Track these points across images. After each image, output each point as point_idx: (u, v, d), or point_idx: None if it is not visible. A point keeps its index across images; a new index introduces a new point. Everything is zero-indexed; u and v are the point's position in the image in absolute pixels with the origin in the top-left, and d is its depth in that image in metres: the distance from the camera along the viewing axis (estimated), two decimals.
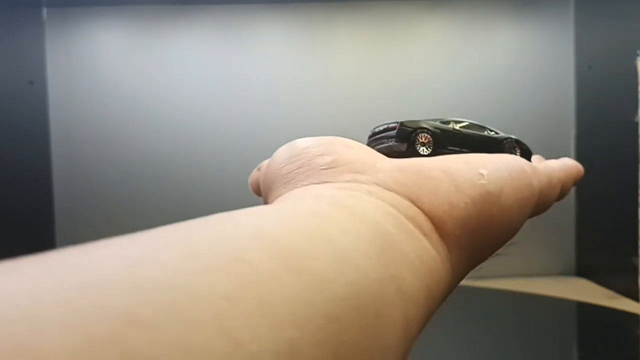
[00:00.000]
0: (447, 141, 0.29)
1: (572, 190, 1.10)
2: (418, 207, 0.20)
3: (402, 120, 0.30)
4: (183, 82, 1.13)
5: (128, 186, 1.13)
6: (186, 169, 1.13)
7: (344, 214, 0.17)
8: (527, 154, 0.32)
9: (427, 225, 0.20)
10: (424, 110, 1.14)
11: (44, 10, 1.11)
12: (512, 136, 0.32)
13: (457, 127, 0.30)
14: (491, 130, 0.31)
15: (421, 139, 0.28)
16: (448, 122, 0.30)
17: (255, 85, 1.14)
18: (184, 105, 1.13)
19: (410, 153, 0.28)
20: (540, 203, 0.28)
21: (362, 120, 1.13)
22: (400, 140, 0.29)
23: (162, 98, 1.13)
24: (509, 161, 0.25)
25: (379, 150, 0.29)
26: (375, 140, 0.31)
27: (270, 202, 0.23)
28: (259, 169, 0.33)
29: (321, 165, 0.23)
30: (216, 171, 1.13)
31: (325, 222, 0.16)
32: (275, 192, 0.23)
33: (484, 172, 0.22)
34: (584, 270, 1.13)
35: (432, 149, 0.28)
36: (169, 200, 1.13)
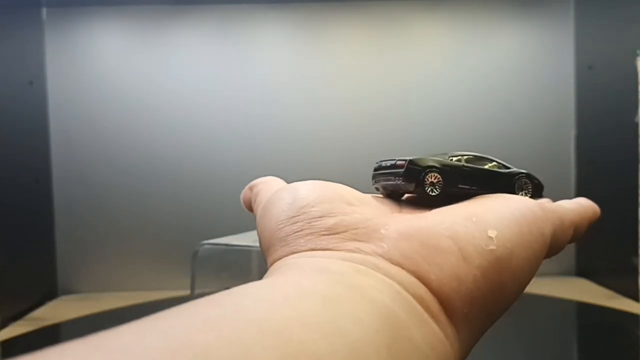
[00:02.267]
0: (457, 179, 0.28)
1: (572, 191, 1.10)
2: (425, 284, 0.20)
3: (410, 157, 0.28)
4: (182, 82, 1.13)
5: (127, 186, 1.12)
6: (186, 169, 1.13)
7: (354, 297, 0.16)
8: (538, 189, 0.31)
9: (435, 305, 0.19)
10: (424, 110, 1.14)
11: (44, 11, 1.11)
12: (523, 171, 0.30)
13: (466, 162, 0.29)
14: (500, 164, 0.30)
15: (430, 178, 0.27)
16: (457, 157, 0.29)
17: (255, 85, 1.14)
18: (183, 105, 1.13)
19: (418, 193, 0.27)
20: (552, 247, 0.27)
21: (363, 120, 1.13)
22: (408, 181, 0.27)
23: (161, 98, 1.13)
24: (520, 211, 0.24)
25: (385, 187, 0.29)
26: (381, 175, 0.30)
27: (271, 263, 0.22)
28: (251, 189, 0.32)
29: (322, 230, 0.22)
30: (216, 171, 1.13)
31: (337, 309, 0.15)
32: (275, 253, 0.22)
33: (493, 234, 0.21)
34: (584, 270, 1.13)
35: (441, 189, 0.28)
36: (168, 199, 1.12)
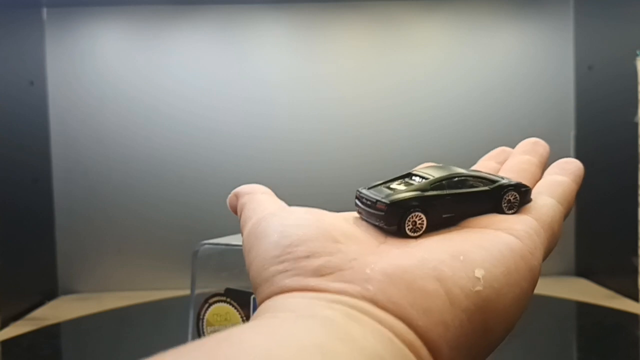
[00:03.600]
0: (440, 209, 0.27)
1: None
2: (413, 330, 0.19)
3: (389, 197, 0.27)
4: (183, 82, 1.13)
5: (128, 186, 1.12)
6: (186, 169, 1.13)
7: (350, 351, 0.16)
8: (526, 195, 0.30)
9: (423, 351, 0.19)
10: (423, 110, 1.13)
11: (44, 11, 1.11)
12: (508, 182, 0.29)
13: (448, 189, 0.28)
14: (485, 180, 0.29)
15: (412, 218, 0.26)
16: (439, 184, 0.28)
17: (255, 86, 1.14)
18: (183, 105, 1.13)
19: (400, 235, 0.26)
20: (545, 256, 0.27)
21: (362, 121, 1.13)
22: (389, 224, 0.26)
23: (162, 98, 1.13)
24: (508, 247, 0.23)
25: (369, 222, 0.28)
26: (363, 210, 0.29)
27: (260, 301, 0.22)
28: (236, 196, 0.32)
29: (309, 272, 0.22)
30: (216, 171, 1.13)
31: None
32: (262, 293, 0.22)
33: (480, 274, 0.21)
34: (583, 270, 1.13)
35: (424, 229, 0.27)
36: (169, 199, 1.12)
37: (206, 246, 0.52)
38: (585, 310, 0.93)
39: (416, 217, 0.26)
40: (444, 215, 0.27)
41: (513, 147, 0.41)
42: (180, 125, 1.13)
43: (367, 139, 1.13)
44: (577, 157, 1.11)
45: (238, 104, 1.13)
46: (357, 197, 0.29)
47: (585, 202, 1.10)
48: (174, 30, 1.13)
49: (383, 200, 0.27)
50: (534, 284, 0.24)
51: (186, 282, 1.09)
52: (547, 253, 0.28)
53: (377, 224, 0.27)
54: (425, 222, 0.26)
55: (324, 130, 1.13)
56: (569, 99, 1.15)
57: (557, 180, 0.33)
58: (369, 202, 0.28)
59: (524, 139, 0.42)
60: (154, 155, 1.13)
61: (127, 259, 1.12)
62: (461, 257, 0.21)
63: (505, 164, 0.35)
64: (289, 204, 0.30)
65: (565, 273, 1.15)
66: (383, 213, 0.26)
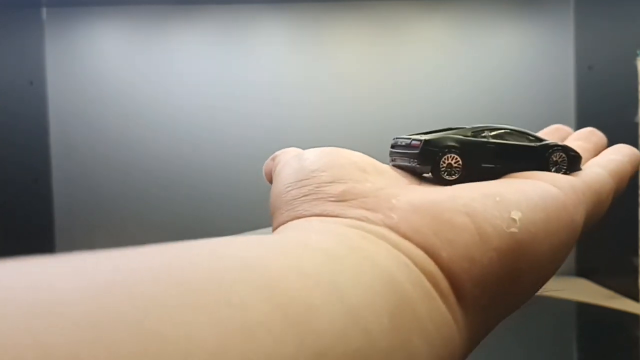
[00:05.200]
0: (479, 157, 0.25)
1: None
2: (435, 260, 0.18)
3: (427, 136, 0.25)
4: (183, 83, 1.13)
5: (128, 186, 1.12)
6: (187, 169, 1.13)
7: (357, 258, 0.15)
8: (575, 162, 0.28)
9: (444, 284, 0.18)
10: (423, 110, 1.13)
11: (44, 10, 1.10)
12: (558, 143, 0.27)
13: (491, 138, 0.27)
14: (532, 137, 0.28)
15: (447, 160, 0.25)
16: (481, 131, 0.27)
17: (257, 85, 1.14)
18: (184, 105, 1.13)
19: (435, 176, 0.25)
20: (589, 222, 0.25)
21: (363, 120, 1.13)
22: (423, 163, 0.25)
23: (162, 98, 1.13)
24: (549, 194, 0.22)
25: (402, 167, 0.26)
26: (397, 154, 0.27)
27: (275, 228, 0.21)
28: (273, 159, 0.30)
29: (330, 196, 0.20)
30: (217, 171, 1.13)
31: (337, 265, 0.14)
32: (280, 217, 0.21)
33: (517, 215, 0.19)
34: (583, 270, 1.13)
35: (461, 172, 0.25)
36: (169, 200, 1.12)
37: None
38: (585, 310, 0.93)
39: (452, 159, 0.25)
40: (483, 164, 0.25)
41: None
42: (181, 125, 1.13)
43: (368, 138, 1.13)
44: None
45: (239, 104, 1.13)
46: (392, 145, 0.28)
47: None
48: (174, 30, 1.13)
49: (418, 139, 0.25)
50: (574, 238, 0.22)
51: None
52: (591, 220, 0.26)
53: (410, 164, 0.26)
54: (461, 166, 0.25)
55: (326, 129, 1.13)
56: (569, 99, 1.15)
57: (611, 157, 0.31)
58: (403, 144, 0.27)
59: None
60: (154, 155, 1.12)
61: None
62: (497, 198, 0.20)
63: None
64: None
65: (565, 273, 1.14)
66: (417, 151, 0.25)
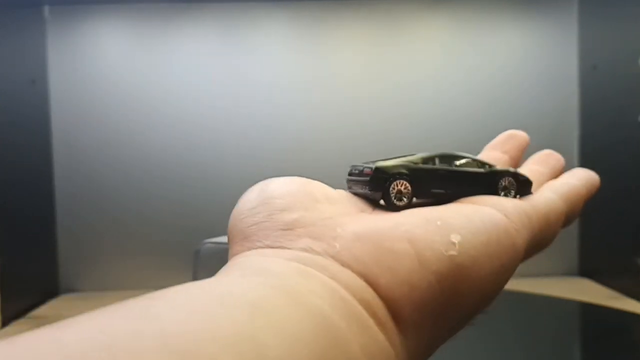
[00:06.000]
0: (429, 183, 0.26)
1: None
2: (374, 288, 0.18)
3: (377, 163, 0.26)
4: (186, 81, 1.13)
5: (130, 184, 1.12)
6: (188, 168, 1.13)
7: (287, 305, 0.15)
8: (525, 187, 0.28)
9: (382, 311, 0.18)
10: (426, 110, 1.13)
11: (46, 9, 1.10)
12: (508, 169, 0.28)
13: (440, 165, 0.27)
14: (483, 163, 0.28)
15: (397, 186, 0.26)
16: (432, 159, 0.27)
17: (259, 84, 1.13)
18: (186, 104, 1.13)
19: (386, 202, 0.26)
20: (535, 247, 0.26)
21: (365, 120, 1.13)
22: (374, 189, 0.26)
23: (164, 97, 1.13)
24: (491, 217, 0.22)
25: (358, 194, 0.27)
26: (352, 181, 0.28)
27: (229, 257, 0.22)
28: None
29: (280, 225, 0.21)
30: (218, 170, 1.12)
31: (261, 319, 0.14)
32: (233, 247, 0.22)
33: (456, 239, 0.20)
34: (586, 270, 1.12)
35: (410, 198, 0.26)
36: (171, 198, 1.12)
37: (207, 245, 0.52)
38: (587, 310, 0.93)
39: (402, 185, 0.26)
40: (432, 190, 0.26)
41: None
42: (183, 124, 1.13)
43: (369, 138, 1.13)
44: (581, 157, 1.11)
45: (241, 103, 1.13)
46: (348, 173, 0.29)
47: (588, 202, 1.09)
48: (176, 28, 1.13)
49: (369, 166, 0.26)
50: (515, 262, 0.23)
51: (189, 280, 1.09)
52: (537, 245, 0.27)
53: (363, 191, 0.27)
54: (411, 192, 0.26)
55: (326, 129, 1.13)
56: (573, 99, 1.14)
57: (564, 181, 0.32)
58: (357, 171, 0.27)
59: (529, 135, 0.41)
60: (156, 154, 1.12)
61: (130, 258, 1.12)
62: (438, 222, 0.21)
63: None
64: None
65: (568, 273, 1.14)
66: (368, 178, 0.26)
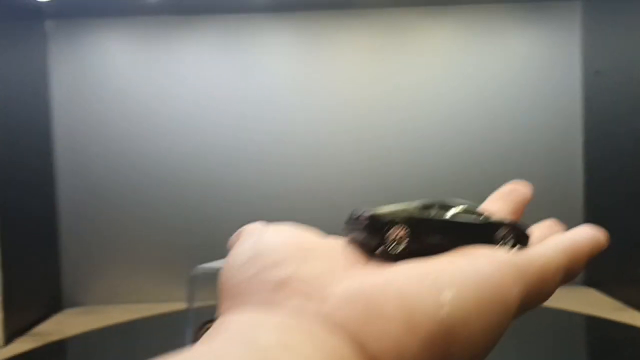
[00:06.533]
0: (426, 233, 0.24)
1: (581, 199, 1.09)
2: (363, 352, 0.18)
3: (374, 210, 0.25)
4: (189, 93, 1.13)
5: (133, 199, 1.12)
6: (191, 181, 1.12)
7: None
8: (523, 238, 0.26)
9: None
10: (429, 116, 1.12)
11: (47, 23, 1.10)
12: (506, 220, 0.26)
13: (438, 214, 0.25)
14: (479, 213, 0.25)
15: (394, 234, 0.24)
16: (430, 207, 0.25)
17: (260, 93, 1.13)
18: (190, 115, 1.13)
19: (381, 251, 0.23)
20: (529, 303, 0.25)
21: (367, 128, 1.12)
22: (370, 238, 0.24)
23: (166, 107, 1.12)
24: (483, 272, 0.21)
25: (353, 241, 0.25)
26: (350, 228, 0.25)
27: (218, 314, 0.20)
28: (237, 235, 0.31)
29: (271, 284, 0.20)
30: (222, 182, 1.12)
31: None
32: (224, 301, 0.21)
33: (448, 295, 0.19)
34: (592, 280, 1.11)
35: (407, 247, 0.23)
36: (174, 213, 1.12)
37: (202, 270, 0.52)
38: (593, 324, 0.92)
39: (398, 234, 0.24)
40: (428, 240, 0.24)
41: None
42: (188, 135, 1.12)
43: (371, 146, 1.12)
44: (585, 164, 1.09)
45: (244, 113, 1.13)
46: (347, 220, 0.26)
47: (594, 211, 1.09)
48: (178, 40, 1.12)
49: (366, 213, 0.25)
50: (507, 320, 0.21)
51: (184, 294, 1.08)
52: (533, 301, 0.26)
53: (359, 240, 0.24)
54: (407, 241, 0.24)
55: (330, 140, 1.12)
56: (576, 105, 1.13)
57: (567, 236, 0.31)
58: (354, 218, 0.25)
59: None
60: (161, 166, 1.12)
61: (133, 271, 1.12)
62: (429, 278, 0.20)
63: None
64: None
65: (574, 283, 1.13)
66: (364, 226, 0.24)
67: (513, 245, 0.27)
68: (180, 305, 1.04)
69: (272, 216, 1.06)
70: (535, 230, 0.33)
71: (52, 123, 1.09)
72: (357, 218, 0.25)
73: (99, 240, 1.10)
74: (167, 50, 1.09)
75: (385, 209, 0.25)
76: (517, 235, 0.27)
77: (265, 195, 1.05)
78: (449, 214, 0.27)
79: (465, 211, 0.28)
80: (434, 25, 1.10)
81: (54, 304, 1.06)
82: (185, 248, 1.09)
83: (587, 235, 0.29)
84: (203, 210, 1.09)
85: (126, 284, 1.09)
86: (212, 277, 0.53)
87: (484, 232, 0.25)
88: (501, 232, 0.25)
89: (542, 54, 1.12)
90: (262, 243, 0.22)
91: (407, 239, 0.24)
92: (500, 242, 0.26)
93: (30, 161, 1.01)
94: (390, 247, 0.23)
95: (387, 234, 0.24)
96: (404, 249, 0.24)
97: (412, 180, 1.07)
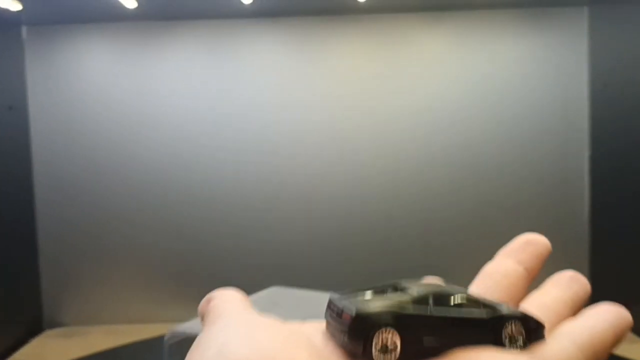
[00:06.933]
0: (420, 333, 0.22)
1: (585, 213, 1.03)
2: None
3: (357, 307, 0.21)
4: (170, 100, 1.07)
5: (115, 212, 1.07)
6: (174, 192, 1.07)
7: None
8: (536, 333, 0.23)
9: None
10: (429, 126, 1.07)
11: (24, 29, 1.04)
12: (515, 313, 0.23)
13: (434, 308, 0.22)
14: (486, 305, 0.23)
15: (381, 338, 0.21)
16: (424, 298, 0.22)
17: (246, 101, 1.08)
18: (172, 123, 1.07)
19: (367, 357, 0.21)
20: None
21: (363, 134, 1.06)
22: (353, 341, 0.21)
23: (147, 115, 1.07)
24: None
25: (334, 338, 0.23)
26: (330, 321, 0.23)
27: None
28: (208, 301, 0.27)
29: None
30: (208, 189, 1.07)
31: None
32: None
33: None
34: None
35: (398, 354, 0.21)
36: (157, 227, 1.07)
37: (176, 336, 0.47)
38: None
39: (387, 338, 0.21)
40: (425, 341, 0.22)
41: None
42: (169, 143, 1.07)
43: (369, 152, 1.07)
44: (591, 179, 1.04)
45: (229, 120, 1.07)
46: (327, 306, 0.24)
47: (599, 233, 1.04)
48: (159, 46, 1.07)
49: (349, 310, 0.21)
50: None
51: (176, 312, 1.04)
52: None
53: (340, 339, 0.22)
54: (399, 346, 0.21)
55: (323, 146, 1.07)
56: (583, 118, 1.08)
57: (587, 324, 0.26)
58: (335, 312, 0.22)
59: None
60: (142, 178, 1.07)
61: (115, 290, 1.07)
62: None
63: (527, 296, 0.29)
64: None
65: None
66: (347, 327, 0.21)
67: (524, 343, 0.23)
68: (165, 328, 1.00)
69: (264, 223, 1.01)
70: (552, 284, 0.27)
71: (30, 132, 1.03)
72: (339, 314, 0.22)
73: (79, 256, 1.06)
74: (148, 56, 1.04)
75: (371, 306, 0.22)
76: (528, 330, 0.23)
77: (254, 202, 1.01)
78: (447, 305, 0.23)
79: (466, 301, 0.23)
80: (434, 31, 1.05)
81: (34, 326, 1.02)
82: (172, 267, 1.05)
83: (610, 319, 0.25)
84: (191, 224, 1.05)
85: (108, 304, 1.05)
86: (188, 343, 0.48)
87: (489, 328, 0.23)
88: (509, 326, 0.23)
89: (548, 66, 1.08)
90: (226, 355, 0.19)
91: (399, 344, 0.21)
92: (509, 340, 0.23)
93: (7, 173, 0.96)
94: (379, 356, 0.21)
95: (375, 339, 0.21)
96: (394, 358, 0.21)
97: (411, 189, 1.07)
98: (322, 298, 0.27)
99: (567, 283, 0.31)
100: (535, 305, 0.27)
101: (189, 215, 1.07)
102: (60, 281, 1.07)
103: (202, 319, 0.27)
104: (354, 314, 0.21)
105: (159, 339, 0.97)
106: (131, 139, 1.07)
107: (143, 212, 1.07)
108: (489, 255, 0.29)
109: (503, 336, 0.23)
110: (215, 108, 1.08)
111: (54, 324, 1.06)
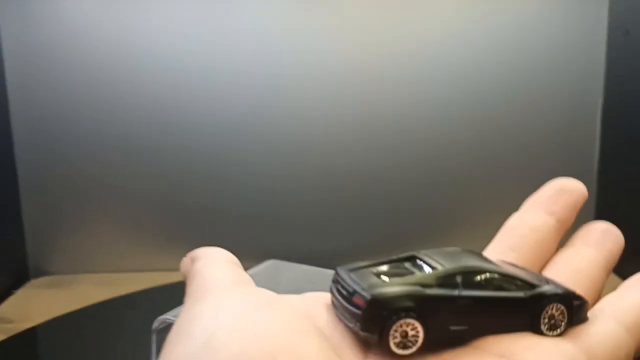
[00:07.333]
0: (446, 318, 0.19)
1: (594, 172, 1.01)
2: None
3: (374, 289, 0.19)
4: (162, 41, 1.00)
5: (104, 153, 1.03)
6: (167, 137, 1.02)
7: None
8: (579, 312, 0.21)
9: None
10: (432, 74, 1.02)
11: None
12: (557, 290, 0.21)
13: (463, 288, 0.19)
14: (522, 281, 0.21)
15: (401, 327, 0.18)
16: (452, 277, 0.20)
17: (246, 42, 1.01)
18: (161, 61, 1.01)
19: (383, 348, 0.19)
20: None
21: (364, 80, 1.01)
22: (367, 330, 0.19)
23: (135, 55, 1.00)
24: None
25: (343, 318, 0.20)
26: (337, 302, 0.20)
27: None
28: (191, 260, 0.25)
29: None
30: (201, 138, 1.02)
31: None
32: None
33: None
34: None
35: (420, 344, 0.19)
36: (148, 172, 1.03)
37: (165, 323, 0.44)
38: None
39: (408, 326, 0.19)
40: (452, 327, 0.19)
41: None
42: (162, 85, 1.01)
43: (370, 102, 1.02)
44: (602, 136, 1.01)
45: (227, 63, 1.01)
46: (333, 280, 0.22)
47: (609, 173, 1.01)
48: None
49: (362, 293, 0.19)
50: None
51: (170, 262, 1.01)
52: None
53: (351, 325, 0.20)
54: (421, 336, 0.19)
55: (320, 91, 1.01)
56: (598, 70, 1.03)
57: (635, 299, 0.24)
58: (344, 292, 0.20)
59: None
60: (131, 123, 1.02)
61: (103, 237, 1.04)
62: None
63: (556, 255, 0.27)
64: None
65: None
66: (360, 312, 0.19)
67: (567, 324, 0.21)
68: (157, 278, 0.99)
69: (262, 176, 0.98)
70: (583, 242, 0.26)
71: (5, 78, 0.97)
72: (350, 295, 0.19)
73: (64, 203, 1.03)
74: None
75: (388, 289, 0.19)
76: (571, 309, 0.21)
77: (252, 153, 0.97)
78: (476, 286, 0.20)
79: (499, 277, 0.20)
80: None
81: (19, 275, 0.99)
82: (161, 211, 1.03)
83: None
84: (180, 170, 1.04)
85: (98, 251, 1.04)
86: None
87: (526, 310, 0.20)
88: (550, 308, 0.20)
89: (561, 9, 1.02)
90: (214, 346, 0.17)
91: (422, 333, 0.19)
92: (549, 321, 0.21)
93: None
94: (398, 346, 0.19)
95: (394, 328, 0.18)
96: (416, 348, 0.19)
97: (415, 146, 1.01)
98: (326, 275, 0.25)
99: (601, 239, 0.29)
100: (569, 271, 0.25)
101: (183, 164, 1.03)
102: (46, 228, 1.04)
103: (185, 281, 0.24)
104: (369, 297, 0.19)
105: (152, 291, 0.95)
106: (118, 79, 1.01)
107: (132, 158, 1.03)
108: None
109: (542, 319, 0.20)
110: (209, 47, 1.01)
111: (40, 273, 1.03)
